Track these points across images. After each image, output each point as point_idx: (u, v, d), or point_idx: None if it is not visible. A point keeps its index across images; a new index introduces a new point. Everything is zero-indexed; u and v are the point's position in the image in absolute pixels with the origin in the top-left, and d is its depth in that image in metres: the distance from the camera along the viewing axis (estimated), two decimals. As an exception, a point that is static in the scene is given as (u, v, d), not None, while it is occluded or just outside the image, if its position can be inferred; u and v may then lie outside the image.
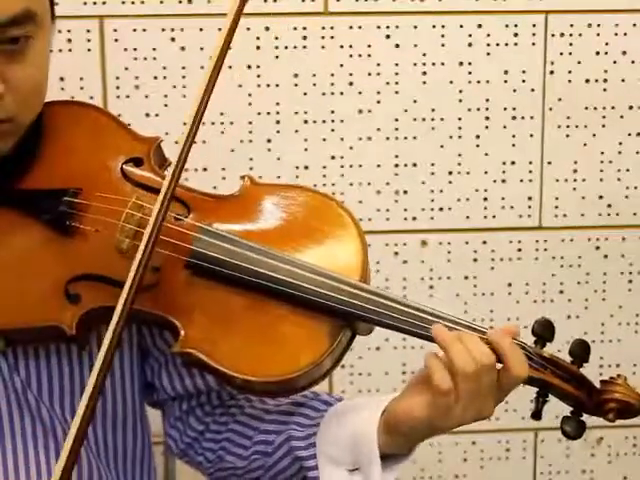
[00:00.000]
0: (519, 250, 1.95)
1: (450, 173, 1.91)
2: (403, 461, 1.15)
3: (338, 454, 1.15)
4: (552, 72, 1.89)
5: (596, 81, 1.90)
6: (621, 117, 1.92)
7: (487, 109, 1.89)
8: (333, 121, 1.87)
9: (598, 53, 1.89)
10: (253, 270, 1.11)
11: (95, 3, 1.78)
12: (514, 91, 1.89)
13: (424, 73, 1.87)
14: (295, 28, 1.83)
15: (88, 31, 1.79)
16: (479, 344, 1.09)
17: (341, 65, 1.85)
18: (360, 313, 1.11)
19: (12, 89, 1.09)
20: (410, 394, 1.12)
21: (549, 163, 1.93)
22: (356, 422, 1.14)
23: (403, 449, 1.14)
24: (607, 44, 1.88)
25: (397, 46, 1.85)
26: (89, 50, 1.80)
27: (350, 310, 1.11)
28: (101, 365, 1.00)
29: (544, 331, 1.16)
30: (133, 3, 1.79)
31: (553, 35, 1.88)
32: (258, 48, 1.83)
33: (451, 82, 1.88)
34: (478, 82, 1.88)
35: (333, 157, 1.89)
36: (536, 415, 1.15)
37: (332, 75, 1.85)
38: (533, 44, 1.87)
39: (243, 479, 1.26)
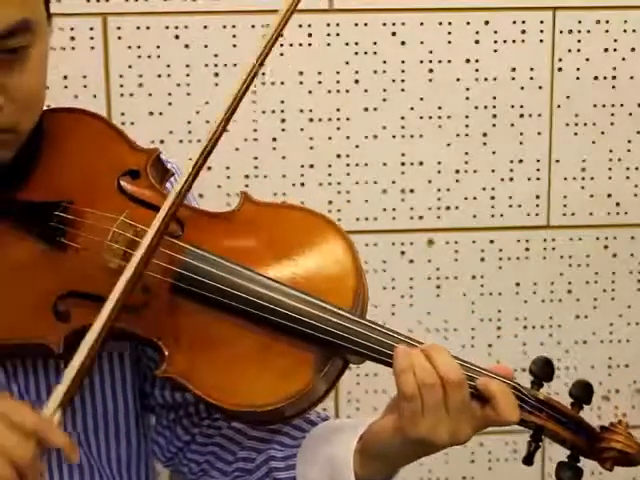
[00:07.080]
0: (527, 249, 1.94)
1: (457, 172, 1.90)
2: None
3: (315, 477, 1.12)
4: (560, 69, 1.88)
5: (605, 78, 1.89)
6: (630, 115, 1.91)
7: (494, 107, 1.88)
8: (339, 119, 1.86)
9: (607, 50, 1.87)
10: (240, 296, 1.08)
11: (98, 1, 1.77)
12: (522, 88, 1.88)
13: (430, 70, 1.85)
14: (300, 25, 1.81)
15: (91, 29, 1.78)
16: (447, 357, 1.05)
17: (347, 62, 1.84)
18: (348, 345, 1.07)
19: (12, 99, 1.07)
20: (383, 414, 1.09)
21: (557, 161, 1.91)
22: (334, 445, 1.12)
23: (382, 473, 1.11)
24: (616, 41, 1.87)
25: (403, 43, 1.84)
26: (92, 48, 1.79)
27: (337, 341, 1.07)
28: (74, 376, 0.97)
29: (541, 371, 1.10)
30: (137, 0, 1.78)
31: (561, 32, 1.86)
32: (263, 46, 1.81)
33: (458, 80, 1.86)
34: (485, 79, 1.87)
35: (339, 156, 1.88)
36: (527, 460, 1.10)
37: (337, 73, 1.84)
38: (541, 41, 1.86)
39: None
